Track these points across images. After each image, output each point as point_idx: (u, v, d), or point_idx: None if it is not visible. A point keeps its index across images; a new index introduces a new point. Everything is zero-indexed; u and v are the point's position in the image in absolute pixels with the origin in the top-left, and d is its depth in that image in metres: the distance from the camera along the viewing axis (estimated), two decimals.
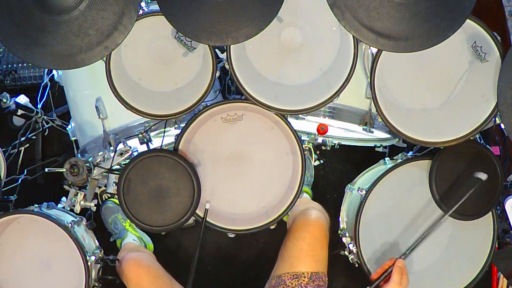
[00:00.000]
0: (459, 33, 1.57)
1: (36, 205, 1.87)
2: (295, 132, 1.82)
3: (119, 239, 2.21)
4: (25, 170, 2.23)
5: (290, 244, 1.82)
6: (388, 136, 2.05)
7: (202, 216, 1.84)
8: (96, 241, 1.96)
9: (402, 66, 1.78)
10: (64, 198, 2.02)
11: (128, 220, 2.05)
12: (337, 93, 1.74)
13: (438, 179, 1.82)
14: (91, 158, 1.95)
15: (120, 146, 1.91)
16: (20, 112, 2.25)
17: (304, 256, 1.79)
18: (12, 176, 2.16)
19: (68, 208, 1.99)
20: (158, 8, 1.61)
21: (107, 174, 1.96)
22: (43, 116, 2.34)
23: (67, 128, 2.13)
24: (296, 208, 1.96)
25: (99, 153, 1.95)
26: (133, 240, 2.19)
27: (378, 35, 1.57)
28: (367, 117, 1.88)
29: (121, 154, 1.92)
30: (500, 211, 1.95)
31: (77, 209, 1.99)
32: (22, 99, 2.30)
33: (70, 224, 1.80)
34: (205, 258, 2.40)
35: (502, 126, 1.69)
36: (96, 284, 1.89)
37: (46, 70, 2.41)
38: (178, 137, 1.81)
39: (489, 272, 2.10)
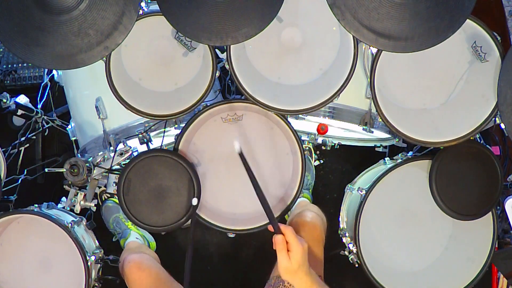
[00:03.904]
0: (459, 33, 1.57)
1: (36, 205, 1.88)
2: (295, 132, 1.82)
3: (122, 238, 2.21)
4: (25, 170, 2.23)
5: None
6: (388, 136, 2.05)
7: (202, 216, 1.84)
8: (96, 241, 1.96)
9: (402, 66, 1.78)
10: (64, 198, 2.02)
11: None
12: (337, 93, 1.74)
13: (438, 179, 1.82)
14: (91, 158, 1.95)
15: (120, 146, 1.91)
16: (20, 112, 2.25)
17: None
18: (12, 176, 2.16)
19: (68, 208, 1.99)
20: (158, 8, 1.61)
21: (107, 174, 1.97)
22: (43, 116, 2.34)
23: (67, 128, 2.13)
24: (295, 211, 1.96)
25: (99, 153, 1.95)
26: (136, 239, 2.19)
27: (378, 35, 1.57)
28: (367, 117, 1.88)
29: (121, 154, 1.92)
30: (500, 211, 1.95)
31: (77, 209, 2.00)
32: (22, 99, 2.30)
33: (70, 224, 1.80)
34: (205, 258, 2.41)
35: (502, 126, 1.69)
36: (96, 284, 1.89)
37: (46, 70, 2.41)
38: (178, 137, 1.81)
39: (489, 272, 2.10)
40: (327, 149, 2.20)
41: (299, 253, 1.42)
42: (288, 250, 1.43)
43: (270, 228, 1.48)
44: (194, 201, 1.67)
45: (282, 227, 1.46)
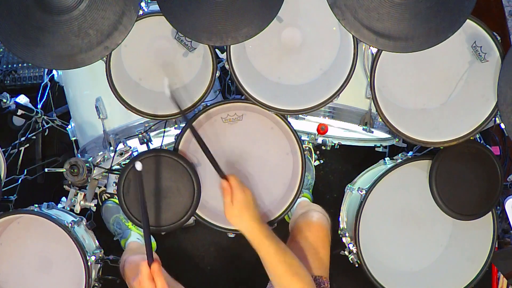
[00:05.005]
0: (459, 33, 1.57)
1: (36, 205, 1.87)
2: (295, 132, 1.82)
3: (123, 239, 2.20)
4: (25, 170, 2.23)
5: (292, 246, 1.82)
6: (388, 136, 2.05)
7: (202, 216, 1.84)
8: (96, 241, 1.96)
9: (402, 66, 1.78)
10: (64, 198, 2.02)
11: None
12: (337, 93, 1.74)
13: (438, 179, 1.82)
14: (91, 158, 1.95)
15: (120, 146, 1.91)
16: (20, 112, 2.25)
17: (306, 257, 1.78)
18: (12, 176, 2.16)
19: (68, 208, 1.99)
20: (158, 8, 1.61)
21: (107, 174, 1.97)
22: (43, 116, 2.34)
23: (67, 128, 2.13)
24: (297, 211, 1.96)
25: (99, 153, 1.95)
26: (137, 239, 2.19)
27: (378, 35, 1.57)
28: (367, 117, 1.88)
29: (121, 154, 1.92)
30: (500, 211, 1.95)
31: (77, 209, 2.00)
32: (22, 99, 2.30)
33: (70, 224, 1.80)
34: (205, 258, 2.41)
35: (502, 126, 1.69)
36: (96, 284, 1.89)
37: (46, 70, 2.41)
38: (178, 137, 1.81)
39: (489, 272, 2.10)
40: (327, 149, 2.20)
41: (241, 199, 1.55)
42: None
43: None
44: (138, 166, 1.47)
45: (227, 175, 1.59)
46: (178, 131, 1.84)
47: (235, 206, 1.55)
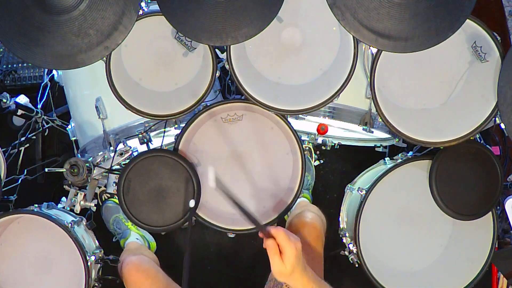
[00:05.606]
0: (459, 33, 1.57)
1: (36, 205, 1.87)
2: (295, 132, 1.82)
3: (122, 238, 2.20)
4: (25, 170, 2.23)
5: None
6: (388, 136, 2.05)
7: (202, 216, 1.84)
8: (96, 241, 1.95)
9: (402, 66, 1.78)
10: (64, 198, 2.02)
11: None
12: (337, 93, 1.74)
13: (438, 179, 1.82)
14: (91, 158, 1.95)
15: (120, 146, 1.91)
16: (20, 112, 2.25)
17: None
18: (12, 176, 2.16)
19: (68, 208, 1.99)
20: (158, 8, 1.61)
21: (107, 174, 1.97)
22: (43, 116, 2.34)
23: (67, 128, 2.13)
24: (294, 211, 1.96)
25: (99, 153, 1.95)
26: (136, 240, 2.19)
27: (378, 35, 1.57)
28: (367, 117, 1.88)
29: (121, 154, 1.92)
30: (500, 211, 1.95)
31: (77, 209, 2.00)
32: (22, 99, 2.30)
33: (70, 224, 1.80)
34: (205, 258, 2.41)
35: (502, 126, 1.69)
36: (96, 284, 1.89)
37: (46, 70, 2.41)
38: (178, 137, 1.81)
39: (489, 272, 2.10)
40: (327, 149, 2.20)
41: (293, 255, 1.34)
42: (280, 252, 1.34)
43: (261, 235, 1.39)
44: (192, 203, 1.65)
45: (272, 230, 1.36)
46: (178, 131, 1.84)
47: (287, 265, 1.33)
